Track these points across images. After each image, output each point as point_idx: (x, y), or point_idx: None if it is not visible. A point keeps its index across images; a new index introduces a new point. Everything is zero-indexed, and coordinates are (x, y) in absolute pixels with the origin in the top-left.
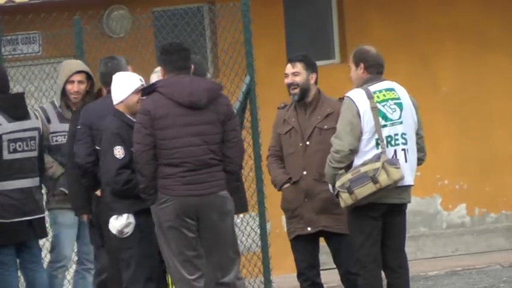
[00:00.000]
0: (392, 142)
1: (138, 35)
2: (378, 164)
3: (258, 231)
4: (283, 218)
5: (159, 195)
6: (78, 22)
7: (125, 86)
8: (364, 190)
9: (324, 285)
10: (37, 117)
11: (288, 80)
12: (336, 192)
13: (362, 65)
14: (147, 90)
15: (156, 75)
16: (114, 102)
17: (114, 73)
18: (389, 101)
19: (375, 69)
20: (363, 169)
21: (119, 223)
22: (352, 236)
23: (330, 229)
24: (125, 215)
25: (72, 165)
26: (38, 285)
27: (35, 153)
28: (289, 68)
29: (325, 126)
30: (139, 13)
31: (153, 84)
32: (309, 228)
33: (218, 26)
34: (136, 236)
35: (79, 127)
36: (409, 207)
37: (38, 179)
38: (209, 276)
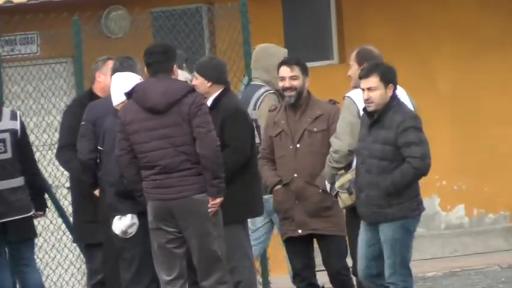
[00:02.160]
0: None
1: (136, 35)
2: None
3: None
4: None
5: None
6: (77, 22)
7: (125, 86)
8: None
9: (325, 286)
10: (15, 118)
11: (285, 84)
12: (335, 193)
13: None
14: (128, 94)
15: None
16: (114, 103)
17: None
18: None
19: None
20: None
21: (123, 223)
22: (350, 235)
23: (320, 231)
24: (129, 216)
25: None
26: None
27: (6, 156)
28: (286, 71)
29: (315, 129)
30: (138, 14)
31: (133, 88)
32: (299, 231)
33: (216, 27)
34: (140, 236)
35: (83, 123)
36: None
37: (13, 180)
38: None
